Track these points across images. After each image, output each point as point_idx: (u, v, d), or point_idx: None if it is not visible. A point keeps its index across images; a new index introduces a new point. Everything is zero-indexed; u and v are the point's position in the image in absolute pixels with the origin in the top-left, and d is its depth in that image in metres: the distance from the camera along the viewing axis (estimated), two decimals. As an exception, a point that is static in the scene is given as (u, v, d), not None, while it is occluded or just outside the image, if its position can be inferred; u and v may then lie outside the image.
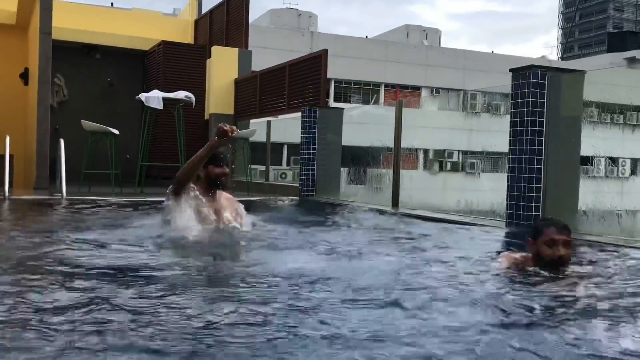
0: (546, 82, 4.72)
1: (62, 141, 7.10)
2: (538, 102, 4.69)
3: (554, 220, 3.12)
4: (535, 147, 4.68)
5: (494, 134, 26.00)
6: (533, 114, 4.68)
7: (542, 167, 4.69)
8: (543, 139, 4.71)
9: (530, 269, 2.97)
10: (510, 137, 4.86)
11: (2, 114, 10.58)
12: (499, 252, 3.48)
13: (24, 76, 10.29)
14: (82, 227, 4.59)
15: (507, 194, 4.87)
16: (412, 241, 4.28)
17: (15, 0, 9.71)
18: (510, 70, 4.92)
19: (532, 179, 4.67)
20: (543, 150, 4.70)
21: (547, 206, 4.67)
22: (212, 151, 3.92)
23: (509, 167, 4.87)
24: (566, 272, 2.89)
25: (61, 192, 6.55)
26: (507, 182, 4.87)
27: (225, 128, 3.78)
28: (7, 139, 6.97)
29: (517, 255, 3.16)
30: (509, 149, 4.86)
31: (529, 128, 4.67)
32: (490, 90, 27.77)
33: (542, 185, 4.69)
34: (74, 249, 3.52)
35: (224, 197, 4.22)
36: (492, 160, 26.92)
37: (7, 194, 6.39)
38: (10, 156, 7.08)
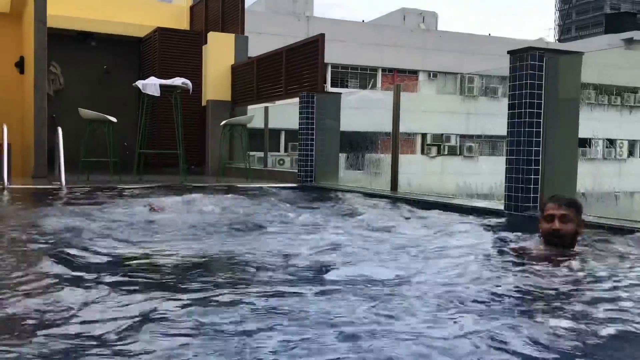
0: (544, 64, 4.71)
1: (60, 130, 7.10)
2: (536, 84, 4.68)
3: (559, 196, 3.09)
4: (533, 129, 4.69)
5: (492, 117, 26.04)
6: (531, 96, 4.68)
7: (540, 149, 4.71)
8: (541, 121, 4.71)
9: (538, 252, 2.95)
10: (508, 119, 4.86)
11: (-2, 103, 10.55)
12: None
13: (20, 65, 10.24)
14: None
15: (506, 177, 4.88)
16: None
17: (9, -12, 9.64)
18: (508, 52, 4.91)
19: (530, 161, 4.68)
20: (541, 133, 4.70)
21: (545, 188, 4.69)
22: None
23: (507, 149, 4.88)
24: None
25: (60, 180, 6.55)
26: (506, 165, 4.88)
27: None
28: (5, 128, 6.95)
29: (526, 243, 3.13)
30: (507, 131, 4.87)
31: (527, 110, 4.68)
32: (488, 73, 27.69)
33: (540, 167, 4.70)
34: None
35: None
36: (490, 143, 26.91)
37: (6, 183, 6.39)
38: (8, 145, 7.07)
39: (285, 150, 22.34)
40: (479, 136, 26.46)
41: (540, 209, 3.08)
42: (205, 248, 3.26)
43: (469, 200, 5.91)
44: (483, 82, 27.75)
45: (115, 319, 1.87)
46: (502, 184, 5.04)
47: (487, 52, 30.35)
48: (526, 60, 4.68)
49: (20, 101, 10.45)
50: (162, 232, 3.82)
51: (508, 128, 4.84)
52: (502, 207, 4.91)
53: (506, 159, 4.88)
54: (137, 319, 1.89)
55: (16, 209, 5.03)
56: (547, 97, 4.73)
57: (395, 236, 3.84)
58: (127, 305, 2.05)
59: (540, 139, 4.70)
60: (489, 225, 4.21)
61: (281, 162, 18.98)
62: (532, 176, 4.68)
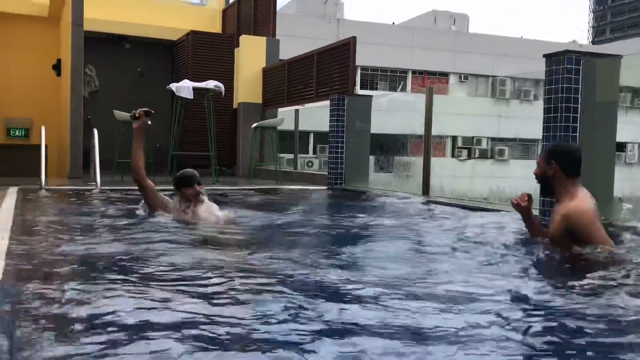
0: (581, 68, 4.63)
1: (95, 131, 7.23)
2: (573, 88, 4.61)
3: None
4: (569, 133, 4.61)
5: (524, 120, 25.68)
6: (567, 100, 4.60)
7: (577, 153, 4.62)
8: (577, 125, 4.63)
9: None
10: (544, 123, 4.79)
11: (36, 105, 10.82)
12: None
13: (57, 67, 10.46)
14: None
15: (541, 181, 4.80)
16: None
17: (47, -7, 9.88)
18: (544, 56, 4.84)
19: (566, 165, 4.59)
20: (577, 137, 4.62)
21: (581, 193, 4.60)
22: (140, 134, 4.61)
23: (542, 154, 4.80)
24: None
25: (95, 181, 6.67)
26: (541, 169, 4.80)
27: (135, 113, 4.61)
28: (43, 129, 7.11)
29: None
30: (543, 135, 4.79)
31: (564, 114, 4.60)
32: (521, 76, 27.34)
33: (576, 172, 4.61)
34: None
35: (203, 208, 4.36)
36: (521, 146, 26.55)
37: (43, 183, 6.53)
38: (45, 146, 7.21)
39: (314, 152, 22.37)
40: (510, 139, 26.14)
41: None
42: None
43: (503, 205, 5.83)
44: (515, 84, 27.41)
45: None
46: (537, 188, 4.96)
47: (519, 54, 30.00)
48: (563, 63, 4.61)
49: (56, 103, 10.70)
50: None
51: (544, 132, 4.77)
52: (536, 213, 4.83)
53: (541, 163, 4.80)
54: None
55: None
56: (584, 101, 4.65)
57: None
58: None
59: (577, 143, 4.62)
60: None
61: (310, 164, 19.02)
62: (568, 181, 4.60)
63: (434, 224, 4.75)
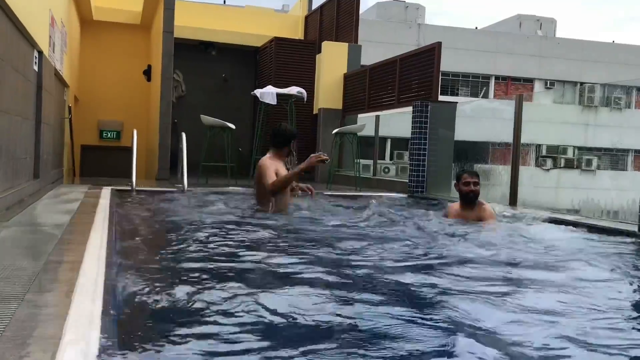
0: (690, 75, 4.33)
1: (183, 135, 7.44)
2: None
3: (467, 170, 5.03)
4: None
5: (614, 129, 24.41)
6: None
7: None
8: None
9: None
10: (646, 134, 4.50)
11: (127, 108, 11.32)
12: None
13: (147, 73, 10.90)
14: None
15: (642, 195, 4.51)
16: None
17: (140, 2, 10.30)
18: (648, 61, 4.55)
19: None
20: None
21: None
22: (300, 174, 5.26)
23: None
24: None
25: (182, 183, 6.86)
26: (642, 183, 4.52)
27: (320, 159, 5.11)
28: (135, 132, 7.39)
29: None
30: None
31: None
32: (613, 82, 26.01)
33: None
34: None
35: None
36: (611, 157, 25.25)
37: (134, 184, 6.80)
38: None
39: (391, 158, 22.16)
40: (598, 149, 24.91)
41: (457, 178, 4.84)
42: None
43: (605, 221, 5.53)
44: (605, 91, 26.12)
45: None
46: (632, 201, 4.68)
47: (609, 60, 28.60)
48: (670, 70, 4.31)
49: (146, 107, 11.15)
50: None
51: (646, 143, 4.48)
52: (636, 229, 4.55)
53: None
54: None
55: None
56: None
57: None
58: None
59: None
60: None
61: (386, 170, 18.82)
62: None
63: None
